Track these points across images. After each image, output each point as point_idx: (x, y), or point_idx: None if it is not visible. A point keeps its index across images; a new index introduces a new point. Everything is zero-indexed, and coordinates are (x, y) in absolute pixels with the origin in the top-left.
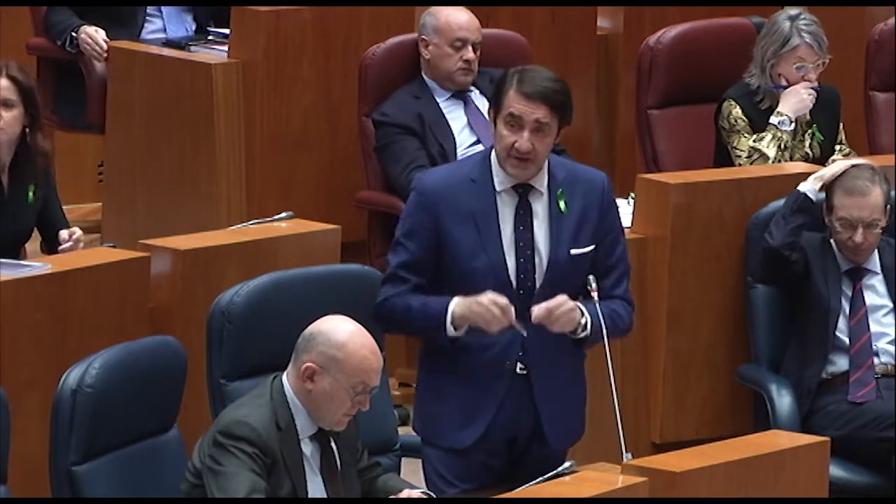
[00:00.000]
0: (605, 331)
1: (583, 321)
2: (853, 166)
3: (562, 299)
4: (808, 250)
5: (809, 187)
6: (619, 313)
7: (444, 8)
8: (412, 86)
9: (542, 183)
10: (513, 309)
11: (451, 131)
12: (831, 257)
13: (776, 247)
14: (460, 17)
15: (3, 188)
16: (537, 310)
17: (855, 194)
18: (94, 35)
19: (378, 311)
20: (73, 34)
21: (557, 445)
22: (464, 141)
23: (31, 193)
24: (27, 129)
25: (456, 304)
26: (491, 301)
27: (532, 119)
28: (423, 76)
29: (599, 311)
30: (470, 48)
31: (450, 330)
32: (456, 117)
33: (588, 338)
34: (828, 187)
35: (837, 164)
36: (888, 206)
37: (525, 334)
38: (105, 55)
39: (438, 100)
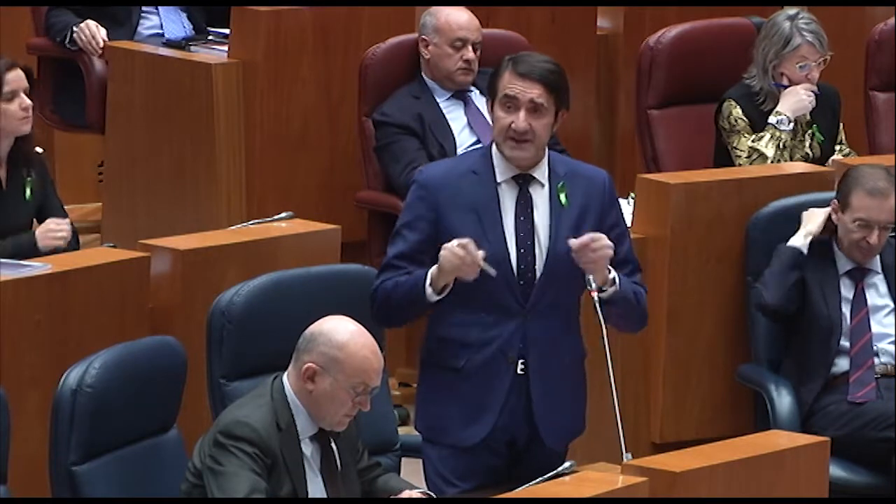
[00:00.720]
0: (632, 295)
1: (611, 276)
2: (864, 167)
3: (598, 235)
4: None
5: (801, 242)
6: (640, 293)
7: (444, 8)
8: (412, 86)
9: (542, 174)
10: (473, 244)
11: (451, 131)
12: (830, 260)
13: (774, 306)
14: (460, 16)
15: (2, 182)
16: (576, 241)
17: (877, 196)
18: (94, 30)
19: (372, 299)
20: (75, 29)
21: (553, 444)
22: (464, 141)
23: (28, 189)
24: None
25: (436, 265)
26: (455, 244)
27: (527, 98)
28: (423, 76)
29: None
30: (470, 48)
31: (429, 292)
32: (456, 117)
33: (613, 298)
34: (841, 185)
35: (819, 215)
36: None
37: (493, 274)
38: (101, 51)
39: (438, 100)
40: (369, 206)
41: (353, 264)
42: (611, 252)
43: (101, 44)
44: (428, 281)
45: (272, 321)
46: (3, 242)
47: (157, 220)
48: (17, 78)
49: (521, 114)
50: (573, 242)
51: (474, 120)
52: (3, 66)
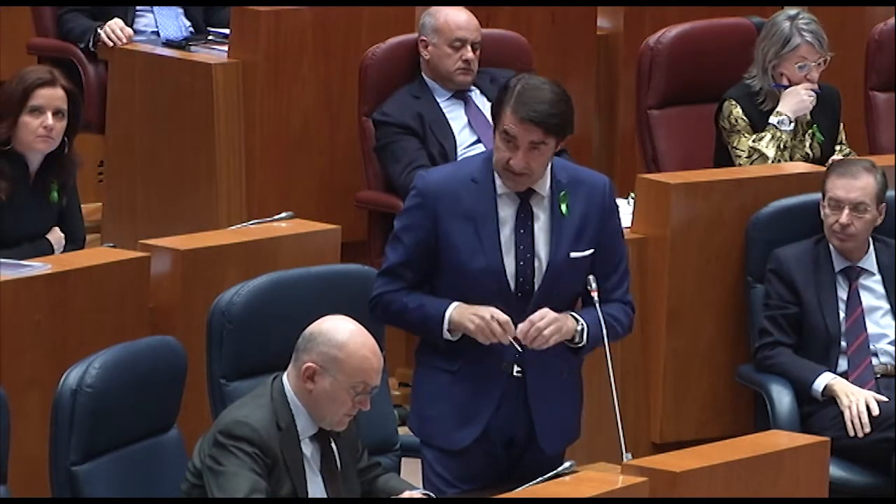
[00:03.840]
0: (605, 334)
1: (579, 328)
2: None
3: (543, 312)
4: (794, 270)
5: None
6: (617, 318)
7: (444, 8)
8: (412, 85)
9: (544, 187)
10: (512, 326)
11: (452, 131)
12: (825, 259)
13: None
14: (459, 17)
15: (29, 188)
16: (522, 328)
17: (846, 176)
18: (121, 32)
19: (373, 304)
20: (100, 31)
21: (549, 449)
22: (464, 140)
23: (54, 193)
24: (65, 139)
25: (454, 309)
26: (492, 317)
27: (527, 141)
28: (424, 76)
29: (600, 316)
30: (469, 48)
31: (446, 335)
32: (456, 117)
33: (585, 346)
34: (825, 176)
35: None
36: (883, 204)
37: (520, 350)
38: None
39: (438, 99)
40: (370, 206)
41: (353, 264)
42: (564, 321)
43: (125, 39)
44: (446, 324)
45: (272, 321)
46: (20, 249)
47: (157, 220)
48: (50, 96)
49: (520, 154)
50: (521, 331)
51: (475, 119)
52: (37, 80)
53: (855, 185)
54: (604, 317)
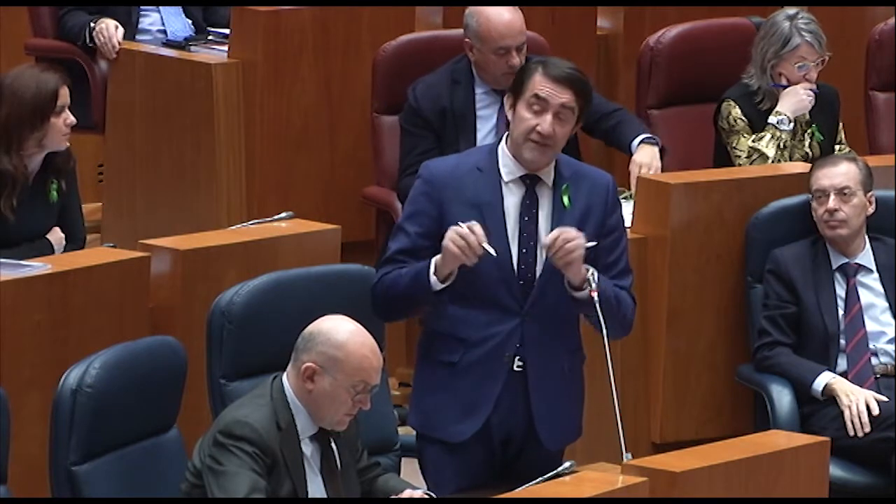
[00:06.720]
0: (597, 304)
1: (589, 275)
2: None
3: (572, 234)
4: (792, 270)
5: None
6: (623, 297)
7: (485, 10)
8: (458, 66)
9: (549, 176)
10: (482, 231)
11: (475, 132)
12: (823, 258)
13: None
14: (500, 22)
15: (28, 187)
16: (551, 235)
17: (826, 165)
18: (112, 30)
19: (373, 291)
20: (93, 26)
21: (550, 445)
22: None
23: (53, 192)
24: None
25: (439, 256)
26: (455, 231)
27: (558, 103)
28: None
29: (599, 300)
30: (514, 54)
31: (433, 280)
32: (487, 115)
33: (592, 298)
34: (809, 175)
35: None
36: (871, 193)
37: (496, 254)
38: (116, 53)
39: (477, 90)
40: (375, 202)
41: (353, 264)
42: (582, 251)
43: (118, 46)
44: (432, 269)
45: (272, 321)
46: (20, 249)
47: (157, 220)
48: (66, 94)
49: (549, 117)
50: (546, 240)
51: (503, 121)
52: (59, 79)
53: (836, 172)
54: (612, 291)
